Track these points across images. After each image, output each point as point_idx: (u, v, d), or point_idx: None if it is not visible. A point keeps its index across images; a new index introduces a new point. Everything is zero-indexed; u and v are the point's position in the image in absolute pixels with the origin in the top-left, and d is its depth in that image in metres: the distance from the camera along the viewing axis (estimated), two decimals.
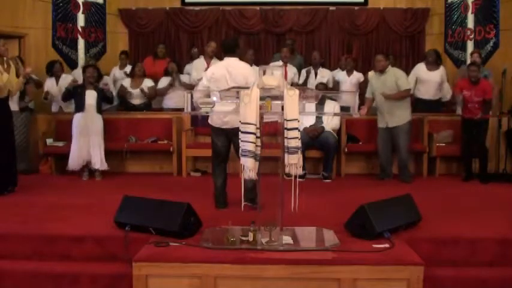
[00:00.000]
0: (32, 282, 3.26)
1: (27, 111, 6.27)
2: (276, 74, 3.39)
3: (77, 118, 5.76)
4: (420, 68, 6.73)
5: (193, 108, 3.61)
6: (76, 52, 7.70)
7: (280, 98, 3.16)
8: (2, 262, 3.38)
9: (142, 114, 6.67)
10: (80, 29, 7.71)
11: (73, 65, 7.58)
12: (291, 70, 7.01)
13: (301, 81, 7.02)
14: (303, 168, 5.38)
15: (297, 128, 3.16)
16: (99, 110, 5.88)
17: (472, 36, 7.33)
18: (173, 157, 6.22)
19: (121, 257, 3.28)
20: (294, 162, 3.19)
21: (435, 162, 6.19)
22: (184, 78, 6.87)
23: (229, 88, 3.86)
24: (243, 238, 3.27)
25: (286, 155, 3.19)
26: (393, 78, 5.66)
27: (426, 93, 6.68)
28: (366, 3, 8.62)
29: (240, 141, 3.21)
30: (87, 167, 5.81)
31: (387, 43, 8.54)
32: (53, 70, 6.73)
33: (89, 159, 5.75)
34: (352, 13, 8.55)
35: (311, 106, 5.35)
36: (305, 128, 5.78)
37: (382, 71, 5.74)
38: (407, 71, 6.43)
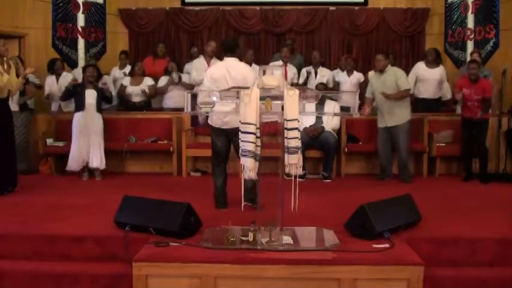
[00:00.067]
0: (32, 282, 3.26)
1: (27, 110, 6.27)
2: (276, 74, 3.39)
3: (77, 117, 5.76)
4: (420, 67, 6.74)
5: (194, 108, 3.61)
6: (76, 52, 7.70)
7: (280, 98, 3.16)
8: (2, 262, 3.38)
9: (142, 114, 6.67)
10: (80, 29, 7.71)
11: (73, 65, 7.58)
12: (291, 70, 7.01)
13: (301, 81, 7.02)
14: (303, 168, 5.38)
15: (297, 128, 3.16)
16: (99, 109, 5.88)
17: (472, 36, 7.33)
18: (173, 157, 6.22)
19: (121, 257, 3.28)
20: (294, 162, 3.19)
21: (435, 162, 6.19)
22: (184, 77, 6.87)
23: (229, 88, 3.86)
24: (243, 238, 3.27)
25: (286, 155, 3.19)
26: (393, 77, 5.67)
27: (426, 92, 6.69)
28: (366, 3, 8.62)
29: (240, 141, 3.21)
30: (86, 167, 5.81)
31: (387, 43, 8.54)
32: (54, 68, 6.74)
33: (88, 159, 5.75)
34: (352, 13, 8.55)
35: (311, 106, 5.35)
36: (305, 128, 5.78)
37: (382, 71, 5.74)
38: (407, 71, 6.43)
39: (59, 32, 7.47)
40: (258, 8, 8.63)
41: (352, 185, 5.57)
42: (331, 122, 5.98)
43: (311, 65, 7.21)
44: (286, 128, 3.14)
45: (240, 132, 3.20)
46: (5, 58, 4.98)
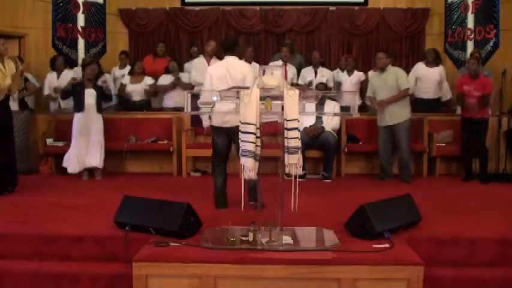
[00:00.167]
0: (32, 282, 3.27)
1: (27, 110, 6.27)
2: (276, 74, 3.39)
3: (77, 118, 5.74)
4: (419, 67, 6.77)
5: (194, 108, 3.61)
6: (76, 52, 7.69)
7: (280, 98, 3.16)
8: (2, 262, 3.38)
9: (142, 114, 6.67)
10: (80, 29, 7.70)
11: (73, 64, 7.57)
12: (291, 70, 7.01)
13: (301, 81, 7.01)
14: (303, 168, 5.38)
15: (297, 128, 3.16)
16: (99, 110, 5.86)
17: (472, 36, 7.33)
18: (173, 157, 6.22)
19: (121, 257, 3.28)
20: (294, 162, 3.19)
21: (435, 162, 6.19)
22: (184, 77, 6.87)
23: (229, 88, 3.86)
24: (243, 238, 3.27)
25: (286, 155, 3.19)
26: (394, 77, 5.68)
27: (426, 92, 6.70)
28: (366, 3, 8.62)
29: (240, 141, 3.21)
30: (86, 168, 5.80)
31: (387, 43, 8.53)
32: (55, 64, 6.75)
33: (88, 159, 5.73)
34: (352, 13, 8.54)
35: (311, 106, 5.36)
36: (305, 128, 5.78)
37: (382, 69, 5.75)
38: (407, 71, 6.42)
39: (59, 32, 7.46)
40: (258, 8, 8.63)
41: (352, 185, 5.57)
42: (331, 122, 5.98)
43: (311, 64, 7.20)
44: (286, 128, 3.14)
45: (240, 132, 3.20)
46: (5, 58, 4.97)
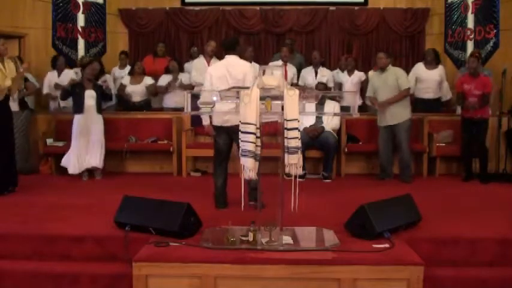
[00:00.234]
0: (32, 282, 3.27)
1: (28, 110, 6.28)
2: (276, 74, 3.39)
3: (77, 119, 5.72)
4: (419, 68, 6.76)
5: (194, 108, 3.61)
6: (76, 52, 7.69)
7: (280, 98, 3.16)
8: (2, 262, 3.38)
9: (143, 114, 6.67)
10: (80, 29, 7.70)
11: (73, 65, 7.57)
12: (291, 70, 7.01)
13: (301, 82, 7.01)
14: (303, 168, 5.39)
15: (297, 128, 3.16)
16: (99, 110, 5.85)
17: (472, 36, 7.32)
18: (173, 157, 6.22)
19: (121, 257, 3.28)
20: (294, 162, 3.19)
21: (435, 162, 6.19)
22: (184, 77, 6.87)
23: (229, 88, 3.86)
24: (243, 238, 3.27)
25: (286, 155, 3.19)
26: (394, 77, 5.69)
27: (426, 92, 6.69)
28: (366, 3, 8.62)
29: (240, 141, 3.21)
30: (86, 168, 5.81)
31: (387, 43, 8.53)
32: (56, 64, 6.76)
33: (88, 160, 5.73)
34: (352, 13, 8.55)
35: (311, 106, 5.36)
36: (305, 128, 5.78)
37: (383, 69, 5.76)
38: (407, 71, 6.42)
39: (59, 32, 7.46)
40: (258, 8, 8.63)
41: (352, 185, 5.57)
42: (331, 122, 5.98)
43: (311, 65, 7.20)
44: (286, 128, 3.14)
45: (240, 132, 3.20)
46: (5, 58, 4.97)
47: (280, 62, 6.95)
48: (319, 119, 5.97)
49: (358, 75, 7.04)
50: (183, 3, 8.74)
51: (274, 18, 8.62)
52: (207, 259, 3.08)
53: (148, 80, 6.88)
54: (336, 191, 5.29)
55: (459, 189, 5.40)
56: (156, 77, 7.01)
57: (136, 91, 6.86)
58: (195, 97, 3.90)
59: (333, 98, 6.05)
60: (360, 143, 6.23)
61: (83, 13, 7.71)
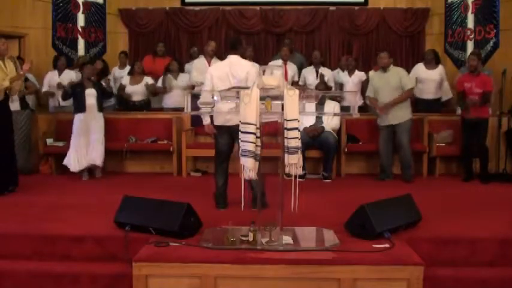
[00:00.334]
0: (32, 282, 3.26)
1: (29, 109, 6.28)
2: (276, 74, 3.39)
3: (78, 119, 5.74)
4: (419, 68, 6.76)
5: (194, 108, 3.61)
6: (76, 52, 7.70)
7: (280, 98, 3.16)
8: (2, 262, 3.38)
9: (143, 114, 6.67)
10: (80, 29, 7.71)
11: (72, 65, 7.59)
12: (291, 68, 7.00)
13: (301, 82, 7.01)
14: (303, 168, 5.38)
15: (297, 128, 3.16)
16: (101, 109, 5.88)
17: (472, 36, 7.33)
18: (173, 157, 6.22)
19: (121, 257, 3.28)
20: (294, 162, 3.19)
21: (435, 162, 6.19)
22: (185, 77, 6.86)
23: (229, 88, 3.86)
24: (243, 238, 3.27)
25: (286, 155, 3.19)
26: (397, 77, 5.69)
27: (426, 92, 6.69)
28: (366, 3, 8.62)
29: (240, 141, 3.21)
30: (86, 167, 5.81)
31: (387, 43, 8.53)
32: (58, 64, 6.78)
33: (88, 158, 5.74)
34: (352, 13, 8.55)
35: (311, 106, 5.36)
36: (305, 128, 5.78)
37: (384, 69, 5.76)
38: (407, 71, 6.42)
39: (59, 32, 7.47)
40: (258, 8, 8.64)
41: (352, 185, 5.57)
42: (331, 122, 5.98)
43: (312, 65, 7.21)
44: (286, 128, 3.14)
45: (240, 132, 3.20)
46: (5, 57, 4.97)
47: (280, 61, 6.95)
48: (319, 119, 5.97)
49: (358, 75, 7.04)
50: (183, 3, 8.75)
51: (274, 18, 8.62)
52: (207, 259, 3.07)
53: (148, 80, 6.88)
54: (336, 191, 5.29)
55: (459, 189, 5.40)
56: (156, 77, 7.00)
57: (136, 91, 6.86)
58: (195, 97, 3.91)
59: (333, 98, 6.05)
60: (360, 143, 6.23)
61: (83, 13, 7.72)
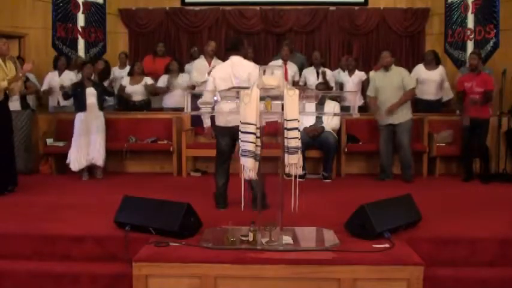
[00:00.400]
0: (32, 282, 3.26)
1: (29, 109, 6.28)
2: (276, 74, 3.39)
3: (79, 118, 5.75)
4: (420, 69, 6.77)
5: (194, 108, 3.61)
6: (76, 52, 7.70)
7: (280, 98, 3.16)
8: (2, 262, 3.38)
9: (143, 114, 6.67)
10: (80, 29, 7.71)
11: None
12: (292, 68, 7.00)
13: (301, 83, 7.00)
14: (303, 168, 5.38)
15: (297, 128, 3.16)
16: (101, 108, 5.90)
17: (472, 36, 7.33)
18: (173, 157, 6.22)
19: (121, 257, 3.28)
20: (294, 162, 3.19)
21: (435, 162, 6.19)
22: (185, 77, 6.86)
23: (229, 88, 3.86)
24: (243, 238, 3.27)
25: (286, 155, 3.19)
26: (399, 77, 5.70)
27: (427, 93, 6.70)
28: (366, 3, 8.63)
29: (240, 141, 3.21)
30: (86, 167, 5.81)
31: (387, 43, 8.53)
32: (58, 64, 6.78)
33: (89, 157, 5.74)
34: (352, 13, 8.56)
35: (311, 106, 5.35)
36: (305, 128, 5.78)
37: (387, 68, 5.76)
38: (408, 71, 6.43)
39: (59, 32, 7.47)
40: (258, 8, 8.64)
41: (352, 185, 5.57)
42: (331, 122, 5.98)
43: (312, 65, 7.21)
44: (286, 128, 3.14)
45: (240, 132, 3.20)
46: (6, 57, 4.97)
47: (280, 62, 6.95)
48: (319, 119, 5.97)
49: (358, 75, 7.04)
50: (183, 3, 8.75)
51: (274, 18, 8.62)
52: (207, 259, 3.07)
53: (147, 80, 6.88)
54: (336, 191, 5.29)
55: (459, 189, 5.40)
56: (156, 77, 7.00)
57: (136, 91, 6.86)
58: (195, 97, 3.91)
59: (333, 98, 6.04)
60: (360, 143, 6.23)
61: (83, 13, 7.72)
